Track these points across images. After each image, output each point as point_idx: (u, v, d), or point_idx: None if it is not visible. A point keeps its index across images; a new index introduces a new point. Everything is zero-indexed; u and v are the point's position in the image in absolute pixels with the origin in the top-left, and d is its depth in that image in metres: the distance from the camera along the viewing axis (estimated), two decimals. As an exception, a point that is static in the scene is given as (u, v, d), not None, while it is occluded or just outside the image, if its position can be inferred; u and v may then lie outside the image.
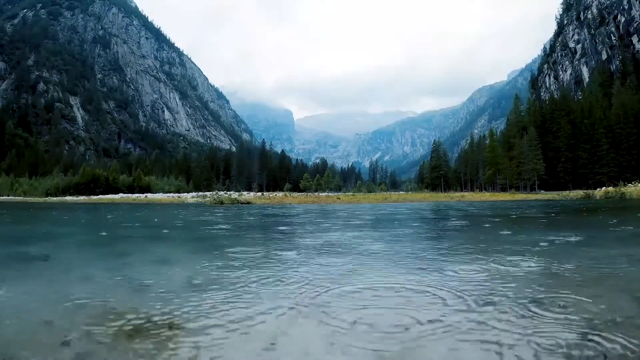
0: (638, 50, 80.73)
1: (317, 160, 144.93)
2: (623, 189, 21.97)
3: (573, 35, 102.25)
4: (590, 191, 26.04)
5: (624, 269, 2.62)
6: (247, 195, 29.72)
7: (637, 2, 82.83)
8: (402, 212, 11.95)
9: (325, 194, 46.64)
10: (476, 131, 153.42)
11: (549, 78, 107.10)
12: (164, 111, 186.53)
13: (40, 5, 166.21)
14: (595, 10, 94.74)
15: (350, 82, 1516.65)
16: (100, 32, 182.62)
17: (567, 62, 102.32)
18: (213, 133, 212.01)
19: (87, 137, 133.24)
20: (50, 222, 9.43)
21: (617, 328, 1.42)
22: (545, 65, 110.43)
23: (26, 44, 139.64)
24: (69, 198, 44.21)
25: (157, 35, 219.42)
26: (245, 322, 1.57)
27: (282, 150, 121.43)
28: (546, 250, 3.53)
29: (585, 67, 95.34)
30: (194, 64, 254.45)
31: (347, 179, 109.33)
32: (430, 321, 1.54)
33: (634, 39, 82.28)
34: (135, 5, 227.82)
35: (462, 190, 59.44)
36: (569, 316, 1.57)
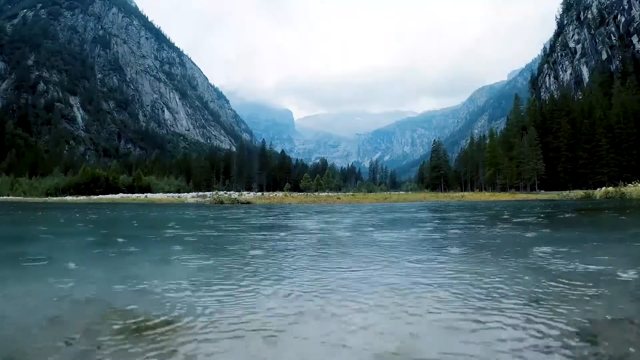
0: (638, 50, 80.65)
1: (317, 160, 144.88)
2: (623, 189, 21.94)
3: (573, 35, 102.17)
4: (590, 191, 26.00)
5: (624, 269, 2.62)
6: (247, 195, 29.74)
7: (637, 2, 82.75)
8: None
9: (326, 193, 46.63)
10: (476, 131, 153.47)
11: (549, 78, 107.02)
12: (164, 111, 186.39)
13: (40, 5, 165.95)
14: (595, 10, 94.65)
15: (350, 82, 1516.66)
16: (100, 32, 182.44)
17: (567, 62, 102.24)
18: (213, 133, 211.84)
19: (87, 137, 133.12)
20: (51, 222, 9.42)
21: (617, 327, 1.42)
22: (545, 65, 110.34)
23: (26, 44, 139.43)
24: (69, 198, 44.19)
25: (157, 35, 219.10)
26: (246, 321, 1.56)
27: (282, 150, 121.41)
28: (545, 250, 3.53)
29: (585, 67, 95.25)
30: (194, 64, 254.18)
31: (347, 179, 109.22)
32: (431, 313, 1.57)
33: (634, 39, 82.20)
34: (135, 5, 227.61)
35: (462, 190, 59.40)
36: (569, 315, 1.56)
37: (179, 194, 45.17)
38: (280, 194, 40.82)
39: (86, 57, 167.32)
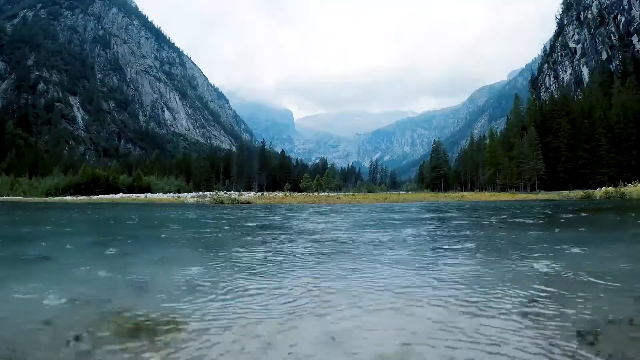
0: (638, 50, 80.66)
1: (317, 160, 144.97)
2: (623, 189, 21.93)
3: (573, 35, 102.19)
4: (590, 191, 25.99)
5: (624, 269, 2.62)
6: (247, 195, 29.74)
7: (637, 2, 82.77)
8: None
9: (326, 193, 46.63)
10: (476, 131, 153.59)
11: (549, 78, 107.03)
12: (164, 111, 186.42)
13: (40, 5, 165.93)
14: (595, 10, 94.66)
15: (350, 82, 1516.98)
16: (100, 32, 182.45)
17: (567, 62, 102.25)
18: (213, 133, 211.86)
19: (87, 137, 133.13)
20: (51, 222, 9.42)
21: (617, 327, 1.42)
22: (545, 65, 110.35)
23: (26, 44, 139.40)
24: (69, 198, 44.18)
25: (157, 35, 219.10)
26: (245, 321, 1.56)
27: (282, 150, 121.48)
28: (545, 249, 3.53)
29: (585, 67, 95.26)
30: (194, 64, 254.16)
31: (347, 179, 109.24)
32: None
33: (634, 39, 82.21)
34: (135, 5, 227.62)
35: (462, 190, 59.41)
36: (569, 315, 1.57)
37: (179, 194, 45.16)
38: (280, 194, 40.82)
39: (86, 57, 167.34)
